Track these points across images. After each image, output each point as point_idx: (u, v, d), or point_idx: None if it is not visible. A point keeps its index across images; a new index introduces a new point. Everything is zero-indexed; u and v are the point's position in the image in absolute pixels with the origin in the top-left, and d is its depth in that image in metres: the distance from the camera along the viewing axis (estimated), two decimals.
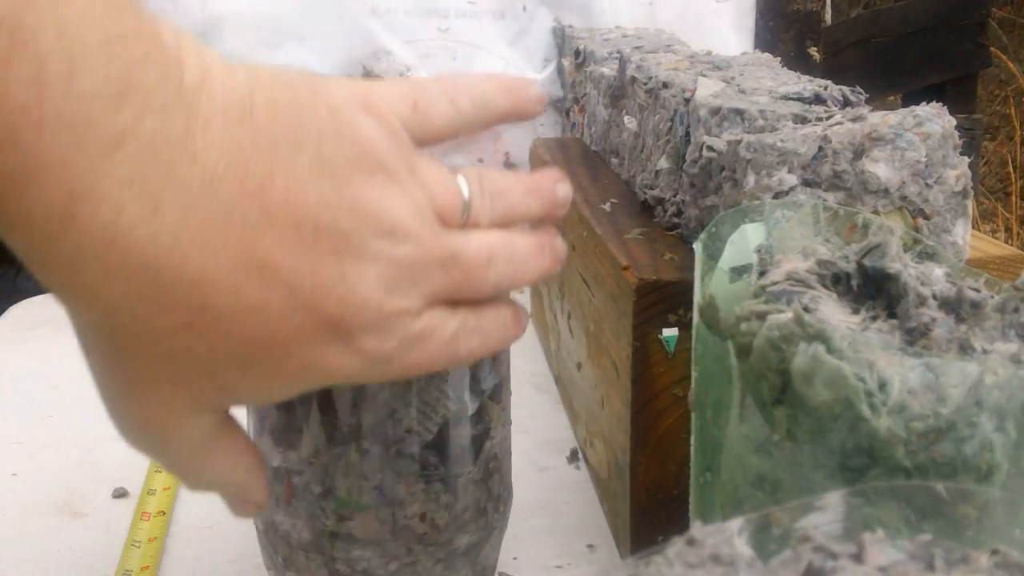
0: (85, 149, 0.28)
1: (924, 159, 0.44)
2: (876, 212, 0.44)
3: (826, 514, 0.24)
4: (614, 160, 0.75)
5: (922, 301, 0.35)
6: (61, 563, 0.53)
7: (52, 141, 0.27)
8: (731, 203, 0.47)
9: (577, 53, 0.95)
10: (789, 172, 0.45)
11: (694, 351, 0.40)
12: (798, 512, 0.24)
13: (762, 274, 0.37)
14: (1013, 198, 2.46)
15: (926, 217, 0.45)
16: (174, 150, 0.29)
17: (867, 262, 0.36)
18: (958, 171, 0.45)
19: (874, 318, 0.35)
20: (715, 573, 0.21)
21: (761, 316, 0.33)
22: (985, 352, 0.33)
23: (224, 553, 0.54)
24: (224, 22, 1.00)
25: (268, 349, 0.32)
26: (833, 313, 0.35)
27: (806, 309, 0.34)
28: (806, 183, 0.45)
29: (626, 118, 0.70)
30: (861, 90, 0.54)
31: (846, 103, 0.53)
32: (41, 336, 0.84)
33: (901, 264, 0.36)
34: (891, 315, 0.35)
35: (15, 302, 0.93)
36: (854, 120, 0.47)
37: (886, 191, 0.44)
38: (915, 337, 0.34)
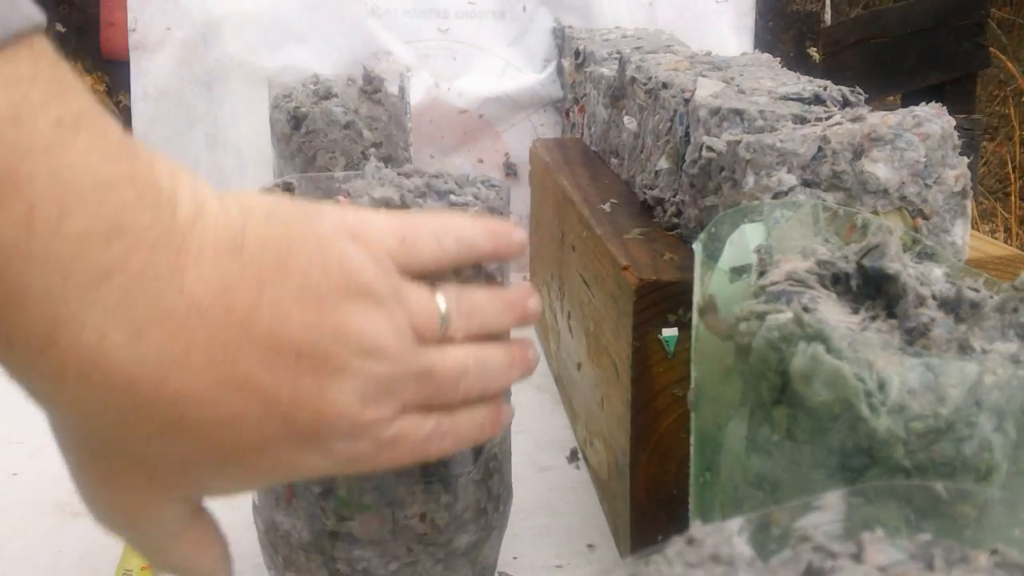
0: (71, 281, 0.29)
1: (923, 159, 0.44)
2: (875, 212, 0.44)
3: (826, 514, 0.24)
4: (614, 160, 0.75)
5: (921, 301, 0.35)
6: (61, 563, 0.53)
7: (38, 274, 0.29)
8: (731, 203, 0.47)
9: (577, 53, 0.95)
10: (788, 172, 0.45)
11: (694, 351, 0.40)
12: (798, 512, 0.24)
13: (762, 274, 0.37)
14: (1012, 198, 2.46)
15: (925, 217, 0.45)
16: (161, 283, 0.31)
17: (866, 262, 0.36)
18: (957, 171, 0.45)
19: (873, 318, 0.35)
20: (715, 572, 0.21)
21: (760, 316, 0.33)
22: (984, 352, 0.33)
23: None
24: (224, 22, 1.00)
25: (243, 454, 0.34)
26: (832, 313, 0.35)
27: (805, 309, 0.34)
28: (805, 183, 0.45)
29: (626, 118, 0.70)
30: (860, 90, 0.54)
31: (845, 103, 0.53)
32: None
33: (900, 264, 0.36)
34: (890, 315, 0.35)
35: None
36: (853, 120, 0.47)
37: (885, 191, 0.44)
38: (914, 337, 0.34)
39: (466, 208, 0.44)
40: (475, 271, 0.44)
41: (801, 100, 0.53)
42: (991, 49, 1.40)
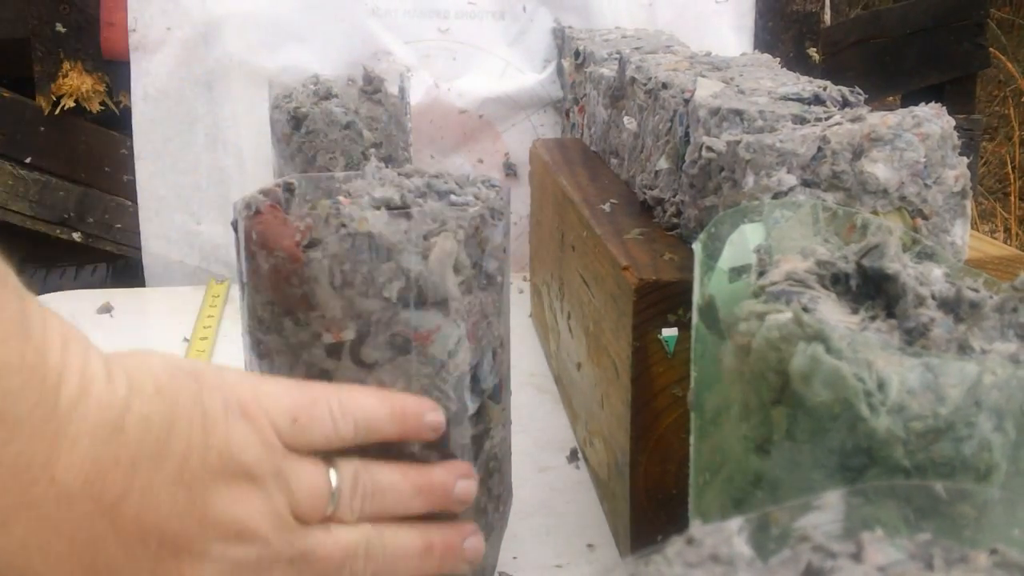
0: None
1: (923, 159, 0.44)
2: (875, 212, 0.44)
3: (825, 514, 0.24)
4: (614, 160, 0.75)
5: (921, 301, 0.35)
6: None
7: None
8: (730, 203, 0.47)
9: (577, 54, 0.95)
10: (788, 172, 0.45)
11: (693, 351, 0.40)
12: (797, 511, 0.24)
13: (761, 274, 0.37)
14: (1012, 198, 2.45)
15: (925, 217, 0.45)
16: (33, 472, 0.32)
17: (866, 262, 0.36)
18: (957, 171, 0.45)
19: (873, 318, 0.35)
20: (714, 572, 0.22)
21: (760, 316, 0.33)
22: (984, 352, 0.33)
23: None
24: (224, 23, 1.00)
25: None
26: (832, 313, 0.35)
27: (805, 309, 0.34)
28: (805, 183, 0.45)
29: (626, 119, 0.70)
30: (860, 91, 0.54)
31: (845, 104, 0.53)
32: None
33: (900, 264, 0.36)
34: (890, 315, 0.35)
35: None
36: (853, 120, 0.47)
37: (885, 191, 0.44)
38: (914, 337, 0.34)
39: (466, 208, 0.44)
40: (475, 270, 0.44)
41: (801, 100, 0.53)
42: (991, 49, 1.40)
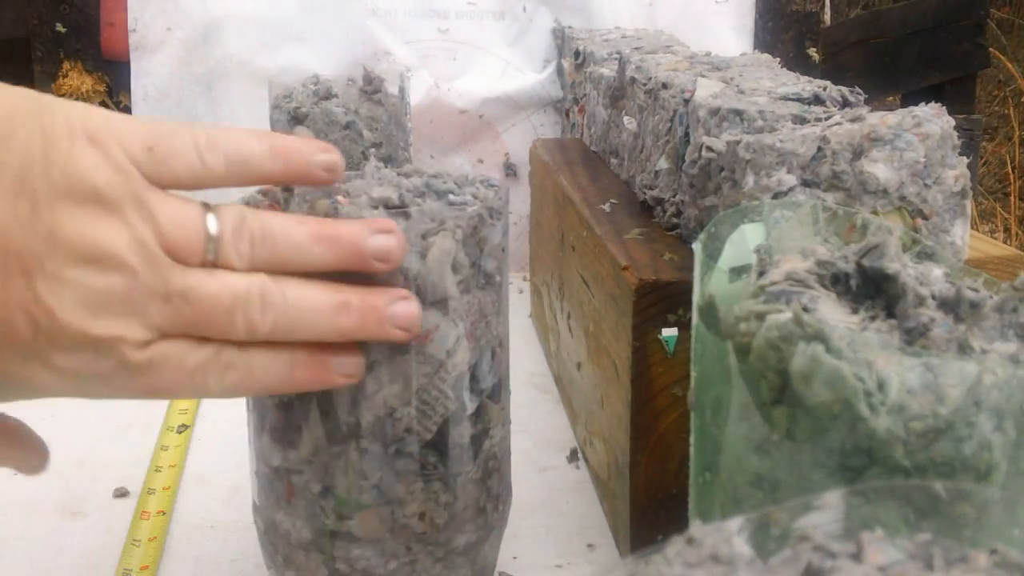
0: None
1: (923, 159, 0.44)
2: (875, 212, 0.44)
3: (825, 513, 0.24)
4: (614, 160, 0.75)
5: (921, 301, 0.35)
6: (61, 563, 0.53)
7: None
8: (730, 203, 0.47)
9: (577, 54, 0.95)
10: (788, 172, 0.45)
11: (693, 351, 0.40)
12: (797, 511, 0.24)
13: (761, 274, 0.37)
14: (1012, 198, 2.46)
15: (925, 217, 0.45)
16: None
17: (866, 262, 0.36)
18: (957, 171, 0.45)
19: (873, 318, 0.35)
20: (714, 572, 0.21)
21: (760, 316, 0.33)
22: (984, 352, 0.33)
23: (224, 552, 0.54)
24: (224, 23, 1.00)
25: None
26: (832, 313, 0.35)
27: (805, 309, 0.34)
28: (805, 183, 0.45)
29: (626, 119, 0.70)
30: (860, 90, 0.54)
31: (845, 103, 0.53)
32: None
33: (900, 264, 0.36)
34: (890, 315, 0.35)
35: None
36: (853, 120, 0.47)
37: (885, 191, 0.44)
38: (914, 337, 0.34)
39: (464, 207, 0.44)
40: (473, 270, 0.44)
41: (801, 100, 0.53)
42: (991, 49, 1.40)
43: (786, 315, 0.33)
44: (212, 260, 0.36)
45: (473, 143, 1.06)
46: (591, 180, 0.71)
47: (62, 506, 0.59)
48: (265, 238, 0.37)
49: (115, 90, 1.02)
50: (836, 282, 0.36)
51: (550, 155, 0.81)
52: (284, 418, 0.44)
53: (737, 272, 0.38)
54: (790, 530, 0.23)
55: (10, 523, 0.57)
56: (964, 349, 0.33)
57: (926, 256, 0.39)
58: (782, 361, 0.32)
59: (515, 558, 0.54)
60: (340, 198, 0.46)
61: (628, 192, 0.67)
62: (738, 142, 0.47)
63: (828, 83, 0.56)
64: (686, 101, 0.56)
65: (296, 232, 0.37)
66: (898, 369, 0.31)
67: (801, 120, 0.49)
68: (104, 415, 0.69)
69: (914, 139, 0.44)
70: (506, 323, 0.48)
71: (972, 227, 0.48)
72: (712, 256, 0.39)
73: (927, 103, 0.47)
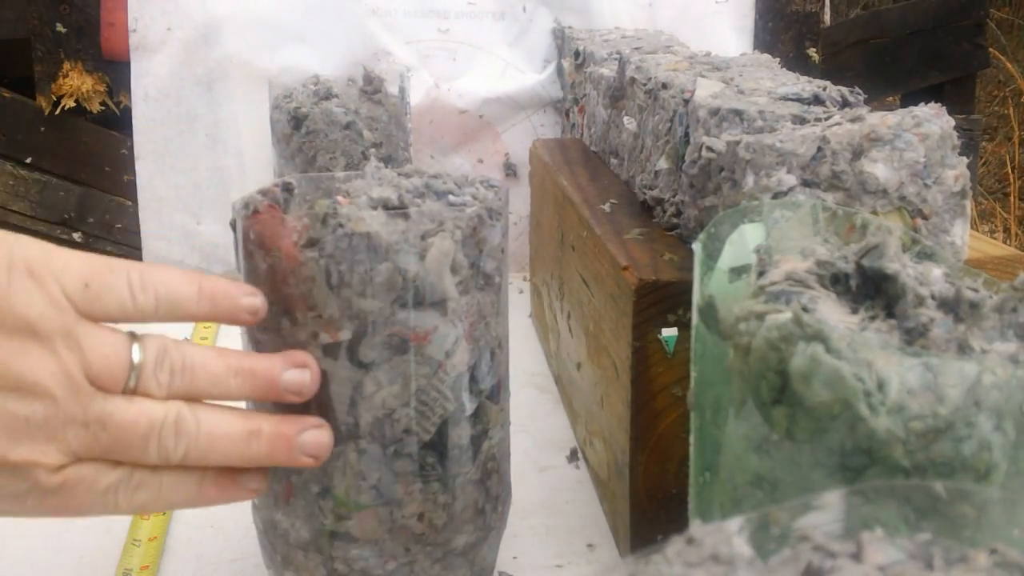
0: None
1: (923, 159, 0.44)
2: (875, 212, 0.44)
3: (825, 513, 0.24)
4: (614, 160, 0.75)
5: (920, 301, 0.35)
6: (61, 563, 0.53)
7: None
8: (730, 203, 0.47)
9: (577, 54, 0.95)
10: (788, 172, 0.45)
11: (693, 351, 0.40)
12: (797, 511, 0.24)
13: (761, 274, 0.37)
14: (1012, 198, 2.46)
15: (924, 217, 0.45)
16: None
17: (866, 262, 0.36)
18: (956, 171, 0.45)
19: (873, 318, 0.35)
20: (714, 572, 0.22)
21: (760, 316, 0.33)
22: (983, 352, 0.33)
23: (223, 552, 0.54)
24: (224, 23, 1.00)
25: None
26: (832, 313, 0.35)
27: (805, 309, 0.34)
28: (805, 183, 0.45)
29: (625, 119, 0.70)
30: (860, 91, 0.54)
31: (845, 104, 0.53)
32: None
33: (900, 264, 0.36)
34: (890, 315, 0.35)
35: None
36: (853, 121, 0.47)
37: (885, 191, 0.44)
38: (914, 337, 0.34)
39: (464, 208, 0.44)
40: (472, 271, 0.44)
41: (800, 100, 0.53)
42: (990, 49, 1.40)
43: (786, 315, 0.33)
44: (133, 388, 0.38)
45: (473, 143, 1.06)
46: (591, 180, 0.71)
47: None
48: (185, 369, 0.39)
49: (115, 90, 1.02)
50: (836, 282, 0.36)
51: (550, 155, 0.81)
52: None
53: (737, 272, 0.38)
54: (790, 530, 0.23)
55: (10, 523, 0.57)
56: (964, 349, 0.33)
57: (926, 256, 0.39)
58: (782, 361, 0.32)
59: (515, 558, 0.54)
60: (340, 198, 0.46)
61: (628, 192, 0.67)
62: (738, 142, 0.47)
63: (828, 83, 0.56)
64: (686, 101, 0.56)
65: (215, 364, 0.40)
66: (898, 369, 0.31)
67: (801, 120, 0.49)
68: None
69: (914, 139, 0.44)
70: (505, 324, 0.48)
71: (972, 227, 0.48)
72: (712, 256, 0.39)
73: (927, 103, 0.47)
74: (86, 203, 1.04)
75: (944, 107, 0.47)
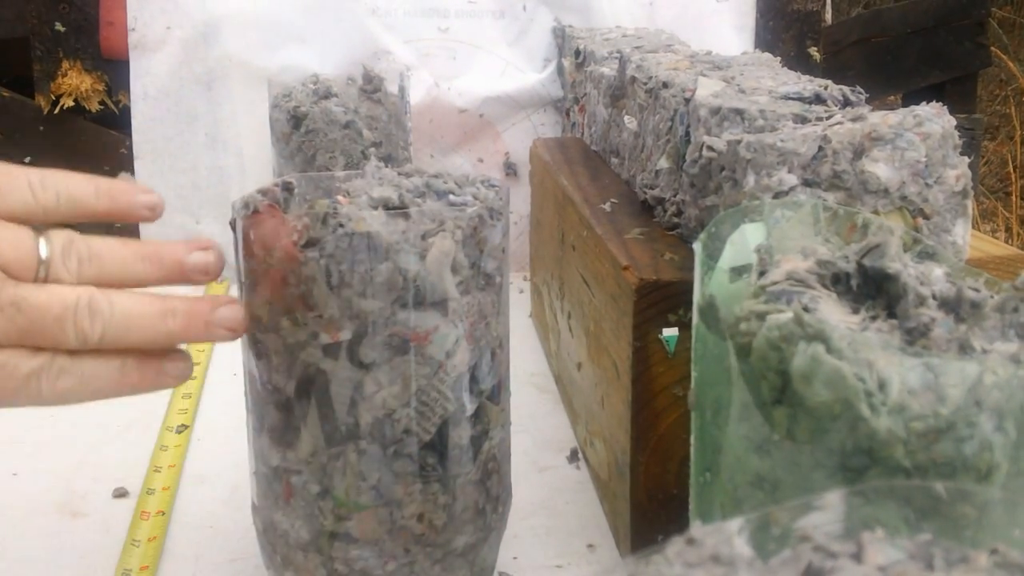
0: None
1: (924, 159, 0.44)
2: (876, 212, 0.44)
3: (826, 514, 0.24)
4: (614, 160, 0.75)
5: (922, 301, 0.35)
6: (61, 563, 0.53)
7: None
8: (731, 203, 0.47)
9: (577, 53, 0.95)
10: (789, 172, 0.45)
11: (694, 351, 0.40)
12: (798, 512, 0.24)
13: (762, 274, 0.37)
14: (1013, 198, 2.45)
15: (926, 217, 0.45)
16: None
17: (867, 262, 0.36)
18: (958, 171, 0.45)
19: (874, 318, 0.35)
20: (715, 573, 0.21)
21: (761, 316, 0.33)
22: (985, 352, 0.33)
23: (223, 552, 0.54)
24: (224, 22, 1.00)
25: None
26: (833, 313, 0.35)
27: (806, 309, 0.34)
28: (806, 183, 0.45)
29: (626, 118, 0.70)
30: (861, 90, 0.54)
31: (846, 103, 0.53)
32: None
33: (901, 264, 0.36)
34: (891, 315, 0.35)
35: None
36: (854, 120, 0.47)
37: (886, 191, 0.44)
38: (915, 337, 0.34)
39: (464, 208, 0.44)
40: (473, 271, 0.44)
41: (802, 99, 0.53)
42: (992, 48, 1.40)
43: (787, 315, 0.32)
44: (43, 278, 0.39)
45: (473, 142, 1.06)
46: (591, 180, 0.71)
47: (62, 506, 0.59)
48: (92, 256, 0.40)
49: (114, 89, 1.02)
50: (837, 282, 0.36)
51: (550, 154, 0.81)
52: (283, 419, 0.44)
53: (738, 272, 0.38)
54: (790, 530, 0.23)
55: (10, 523, 0.57)
56: (965, 349, 0.33)
57: (927, 256, 0.39)
58: (783, 361, 0.32)
59: (515, 558, 0.54)
60: (340, 197, 0.46)
61: (628, 192, 0.67)
62: (739, 141, 0.47)
63: (829, 82, 0.56)
64: (687, 100, 0.56)
65: (121, 251, 0.41)
66: (899, 369, 0.31)
67: (802, 119, 0.49)
68: (103, 416, 0.69)
69: (915, 138, 0.44)
70: (506, 324, 0.48)
71: (973, 227, 0.48)
72: (713, 256, 0.39)
73: (928, 102, 0.47)
74: None
75: (945, 106, 0.47)
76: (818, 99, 0.53)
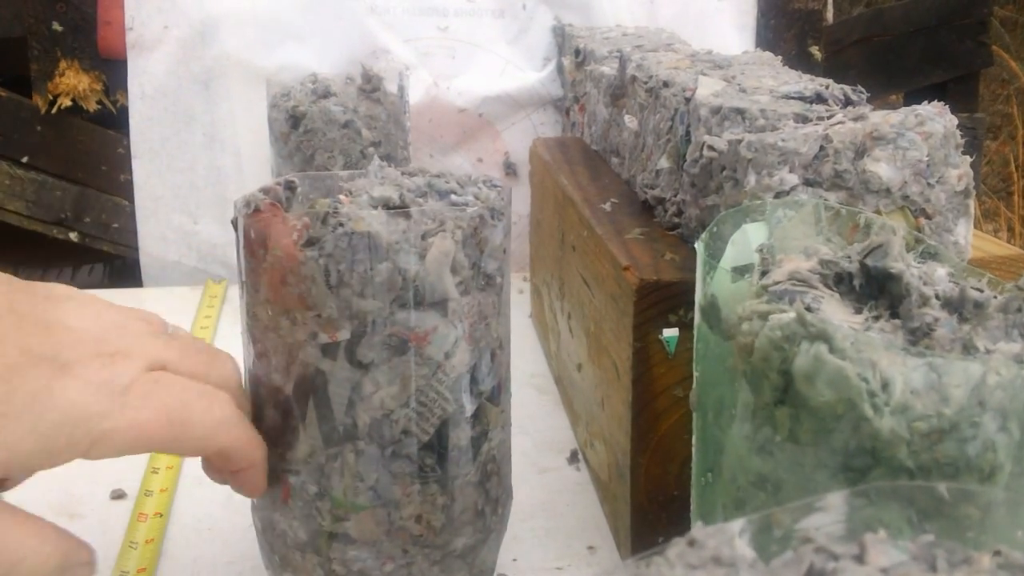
0: None
1: (926, 158, 0.44)
2: (878, 212, 0.44)
3: (828, 515, 0.24)
4: (614, 159, 0.74)
5: (925, 301, 0.34)
6: None
7: None
8: (732, 203, 0.47)
9: (577, 52, 0.94)
10: (790, 172, 0.45)
11: (695, 351, 0.39)
12: (800, 513, 0.24)
13: (764, 274, 0.37)
14: (1015, 197, 2.45)
15: (928, 217, 0.45)
16: None
17: (869, 262, 0.36)
18: (960, 170, 0.45)
19: (876, 318, 0.35)
20: (716, 574, 0.21)
21: (763, 316, 0.33)
22: (988, 352, 0.33)
23: (221, 554, 0.54)
24: (222, 21, 0.99)
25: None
26: (835, 313, 0.35)
27: (808, 309, 0.34)
28: (807, 183, 0.45)
29: (626, 117, 0.70)
30: (862, 89, 0.54)
31: (847, 102, 0.53)
32: None
33: (903, 264, 0.35)
34: (894, 315, 0.35)
35: None
36: (855, 119, 0.46)
37: (888, 191, 0.44)
38: (918, 337, 0.34)
39: (465, 208, 0.44)
40: (473, 271, 0.43)
41: (803, 99, 0.53)
42: (994, 47, 1.40)
43: (789, 315, 0.32)
44: None
45: (472, 142, 1.06)
46: (591, 179, 0.71)
47: (59, 508, 0.58)
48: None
49: (112, 89, 1.01)
50: (839, 282, 0.36)
51: (550, 154, 0.81)
52: (281, 419, 0.44)
53: (739, 272, 0.38)
54: (792, 532, 0.23)
55: None
56: (968, 349, 0.33)
57: (929, 256, 0.39)
58: (785, 361, 0.32)
59: (515, 560, 0.53)
60: (342, 197, 0.45)
61: (629, 191, 0.67)
62: (740, 141, 0.47)
63: (830, 81, 0.55)
64: (687, 100, 0.56)
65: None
66: (902, 369, 0.31)
67: (803, 119, 0.49)
68: None
69: (917, 138, 0.44)
70: (507, 325, 0.47)
71: (975, 226, 0.48)
72: (714, 256, 0.39)
73: (930, 101, 0.47)
74: (82, 203, 1.04)
75: (947, 105, 0.47)
76: (819, 98, 0.53)
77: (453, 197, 0.46)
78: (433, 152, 1.05)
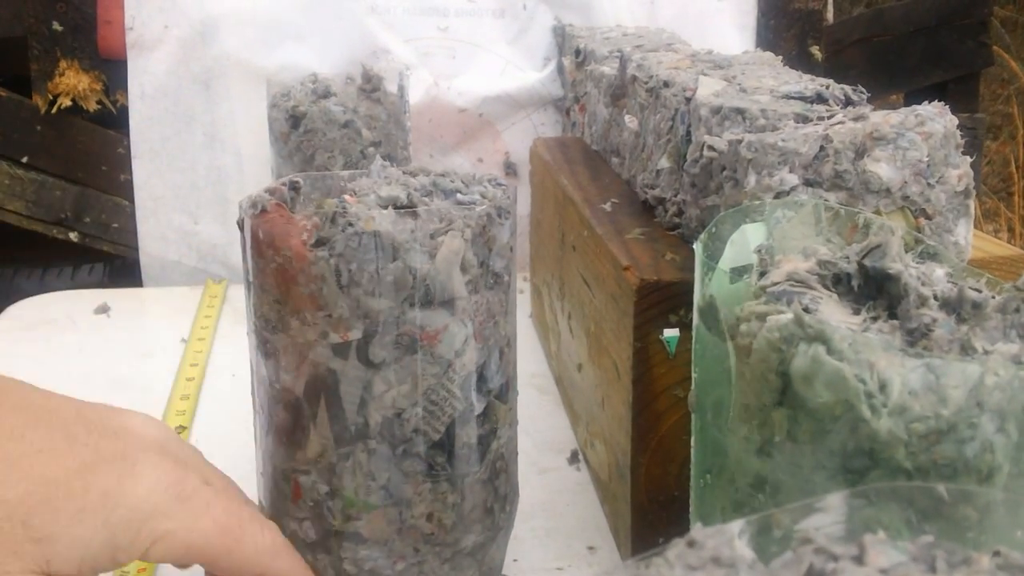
0: None
1: (926, 159, 0.44)
2: (878, 212, 0.44)
3: (827, 516, 0.24)
4: (615, 159, 0.74)
5: (923, 302, 0.34)
6: None
7: None
8: (732, 203, 0.47)
9: (577, 52, 0.94)
10: (790, 172, 0.45)
11: (694, 352, 0.39)
12: (799, 514, 0.24)
13: (762, 274, 0.37)
14: (1016, 198, 2.45)
15: (928, 217, 0.45)
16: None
17: (868, 262, 0.36)
18: (960, 171, 0.45)
19: (875, 319, 0.35)
20: (716, 575, 0.21)
21: (761, 317, 0.33)
22: (986, 353, 0.33)
23: None
24: (222, 21, 0.99)
25: (67, 482, 0.38)
26: (834, 314, 0.35)
27: (806, 310, 0.34)
28: (807, 183, 0.45)
29: (627, 117, 0.70)
30: (863, 89, 0.54)
31: (848, 102, 0.53)
32: (39, 336, 0.84)
33: (902, 264, 0.35)
34: (892, 316, 0.35)
35: (13, 302, 0.93)
36: (856, 119, 0.46)
37: (888, 191, 0.44)
38: (916, 338, 0.34)
39: (473, 207, 0.44)
40: (482, 269, 0.44)
41: (803, 99, 0.53)
42: (994, 48, 1.40)
43: (787, 316, 0.32)
44: None
45: (473, 142, 1.06)
46: (592, 179, 0.71)
47: None
48: None
49: (112, 89, 1.01)
50: (838, 283, 0.36)
51: (550, 154, 0.81)
52: (292, 419, 0.44)
53: (738, 272, 0.38)
54: (792, 532, 0.23)
55: None
56: (966, 350, 0.33)
57: (929, 256, 0.39)
58: (783, 362, 0.32)
59: (515, 560, 0.54)
60: (348, 196, 0.45)
61: (629, 191, 0.67)
62: (740, 141, 0.47)
63: (831, 81, 0.56)
64: (688, 100, 0.56)
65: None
66: (900, 370, 0.31)
67: (803, 119, 0.49)
68: None
69: (917, 138, 0.44)
70: (514, 323, 0.48)
71: (976, 227, 0.48)
72: (713, 256, 0.39)
73: (930, 102, 0.47)
74: (83, 203, 1.04)
75: (947, 105, 0.47)
76: (820, 98, 0.53)
77: (459, 196, 0.46)
78: (433, 152, 1.05)
